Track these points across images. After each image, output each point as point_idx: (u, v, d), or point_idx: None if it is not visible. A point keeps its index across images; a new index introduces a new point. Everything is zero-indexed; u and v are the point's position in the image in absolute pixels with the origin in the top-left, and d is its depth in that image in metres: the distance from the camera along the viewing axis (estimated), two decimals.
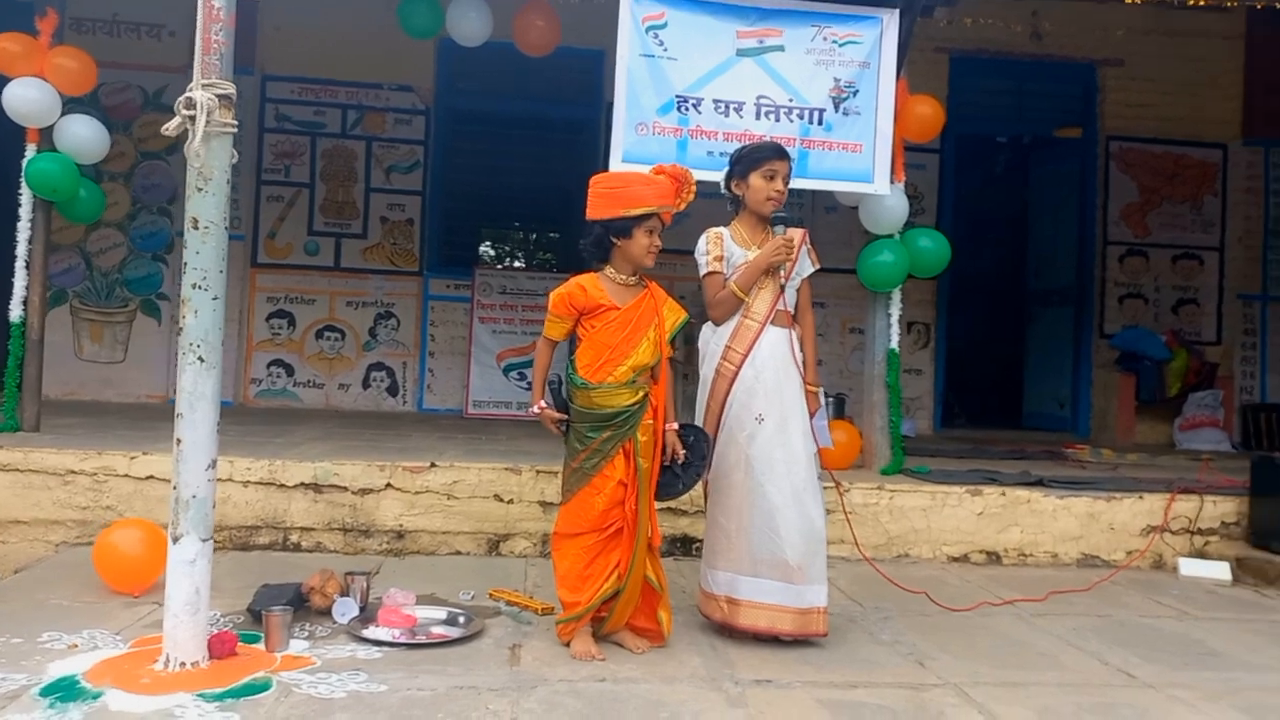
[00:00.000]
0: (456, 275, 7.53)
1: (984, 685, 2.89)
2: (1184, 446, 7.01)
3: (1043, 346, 8.23)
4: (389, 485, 4.25)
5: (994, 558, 4.50)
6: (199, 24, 2.69)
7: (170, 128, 2.68)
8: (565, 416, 3.04)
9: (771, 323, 3.21)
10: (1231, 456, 6.46)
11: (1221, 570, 4.34)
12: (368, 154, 7.36)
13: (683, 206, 3.13)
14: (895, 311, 5.01)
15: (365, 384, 7.31)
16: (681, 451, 3.10)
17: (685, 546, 4.31)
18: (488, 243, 15.81)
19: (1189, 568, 4.40)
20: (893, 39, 4.73)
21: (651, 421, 3.03)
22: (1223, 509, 4.58)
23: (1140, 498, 4.56)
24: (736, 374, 3.17)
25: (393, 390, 7.33)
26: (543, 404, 3.06)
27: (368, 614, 3.20)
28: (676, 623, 3.18)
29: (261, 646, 2.90)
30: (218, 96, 2.65)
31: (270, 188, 7.24)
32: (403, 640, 3.01)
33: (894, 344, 4.99)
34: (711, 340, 3.26)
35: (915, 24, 4.87)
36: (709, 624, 3.27)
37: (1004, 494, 4.53)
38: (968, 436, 7.19)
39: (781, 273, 3.22)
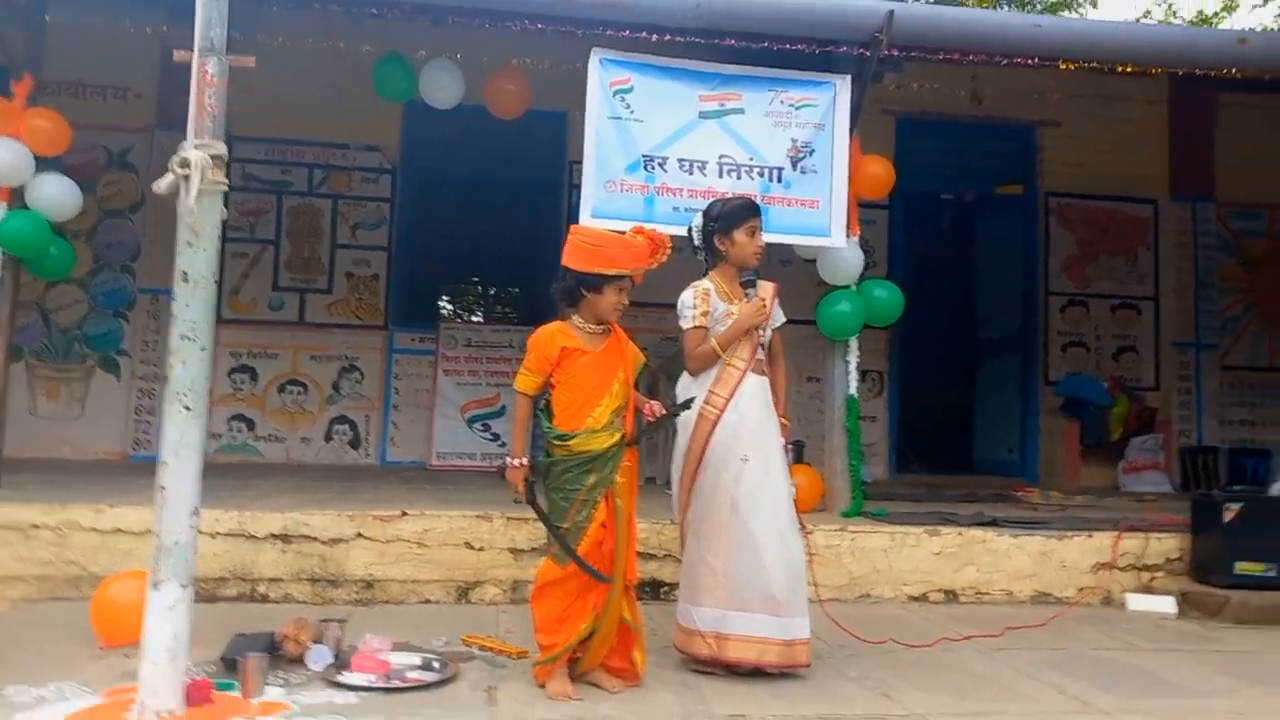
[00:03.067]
0: (421, 329, 7.63)
1: (949, 716, 3.00)
2: (1127, 489, 7.27)
3: (991, 394, 8.51)
4: (359, 535, 4.28)
5: (952, 596, 4.65)
6: (193, 88, 2.80)
7: (162, 185, 2.78)
8: (532, 479, 3.07)
9: (751, 370, 3.36)
10: (1172, 497, 6.72)
11: (1167, 604, 4.53)
12: (334, 212, 7.46)
13: (655, 267, 3.27)
14: (853, 359, 5.20)
15: (327, 438, 7.31)
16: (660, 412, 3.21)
17: (654, 590, 4.38)
18: (450, 297, 15.92)
19: (1136, 603, 4.59)
20: (845, 102, 5.01)
21: (629, 464, 3.14)
22: (1166, 546, 4.79)
23: (1090, 536, 4.76)
24: (720, 417, 3.30)
25: (355, 443, 7.33)
26: (523, 460, 3.09)
27: (342, 661, 3.22)
28: (649, 663, 3.25)
29: (237, 694, 2.91)
30: (211, 156, 2.75)
31: (235, 245, 7.28)
32: (379, 685, 3.05)
33: (852, 390, 5.18)
34: (692, 386, 3.39)
35: (866, 89, 5.15)
36: (684, 661, 3.35)
37: (961, 534, 4.69)
38: (921, 481, 7.39)
39: (760, 331, 3.39)
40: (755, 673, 3.23)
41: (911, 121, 7.73)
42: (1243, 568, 4.44)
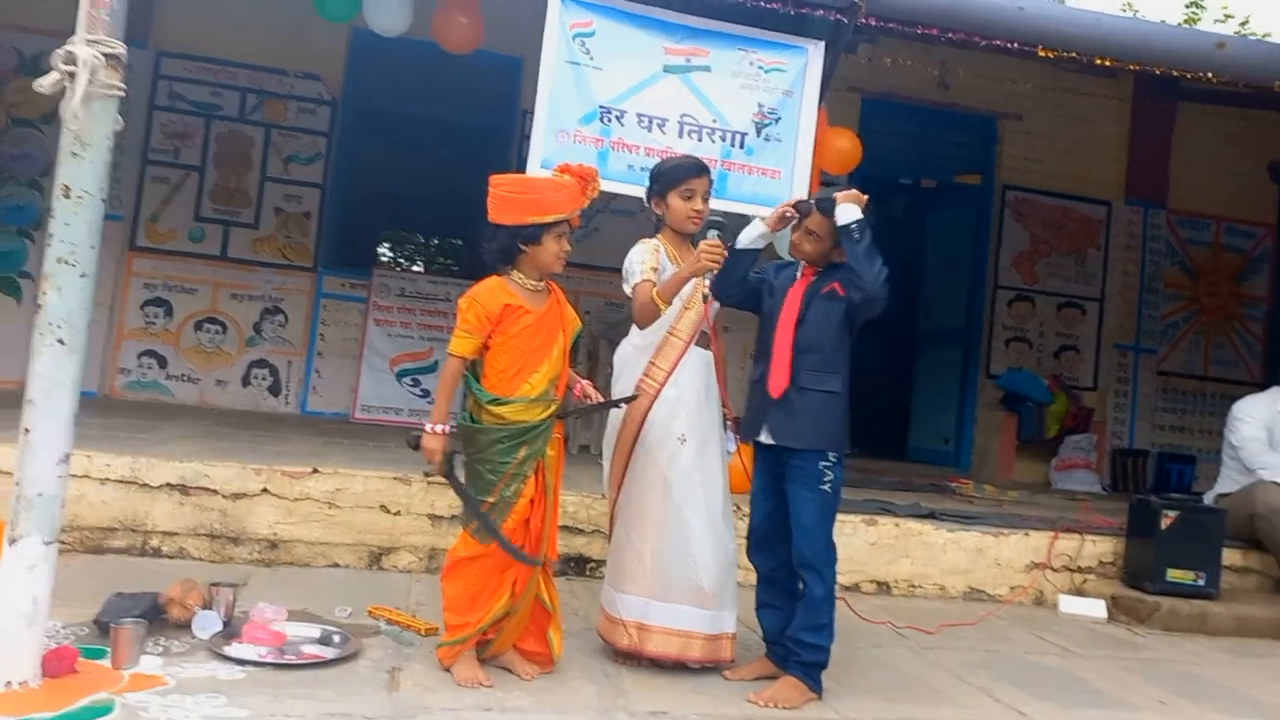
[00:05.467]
0: (353, 274, 7.22)
1: None
2: (1058, 486, 7.28)
3: (931, 383, 8.46)
4: (265, 490, 3.98)
5: (884, 588, 4.53)
6: None
7: (45, 83, 2.42)
8: (452, 449, 2.81)
9: (695, 343, 3.12)
10: (1103, 497, 6.74)
11: (1098, 608, 4.48)
12: (266, 142, 6.98)
13: (587, 204, 2.95)
14: None
15: (245, 381, 6.90)
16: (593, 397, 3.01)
17: (580, 566, 4.18)
18: (388, 243, 15.34)
19: (1068, 605, 4.53)
20: (817, 70, 4.76)
21: (557, 435, 2.91)
22: (1100, 549, 4.73)
23: (1026, 535, 4.67)
24: (659, 392, 3.06)
25: (274, 390, 6.94)
26: (443, 427, 2.78)
27: (232, 629, 2.95)
28: (569, 646, 3.04)
29: (107, 663, 2.62)
30: (104, 55, 2.40)
31: (156, 168, 6.79)
32: (270, 660, 2.78)
33: None
34: (631, 357, 3.15)
35: (839, 59, 4.92)
36: (604, 649, 3.15)
37: (898, 525, 4.57)
38: (856, 465, 7.25)
39: (707, 280, 3.08)
40: (679, 665, 3.05)
41: (877, 102, 7.55)
42: (1175, 575, 4.40)
